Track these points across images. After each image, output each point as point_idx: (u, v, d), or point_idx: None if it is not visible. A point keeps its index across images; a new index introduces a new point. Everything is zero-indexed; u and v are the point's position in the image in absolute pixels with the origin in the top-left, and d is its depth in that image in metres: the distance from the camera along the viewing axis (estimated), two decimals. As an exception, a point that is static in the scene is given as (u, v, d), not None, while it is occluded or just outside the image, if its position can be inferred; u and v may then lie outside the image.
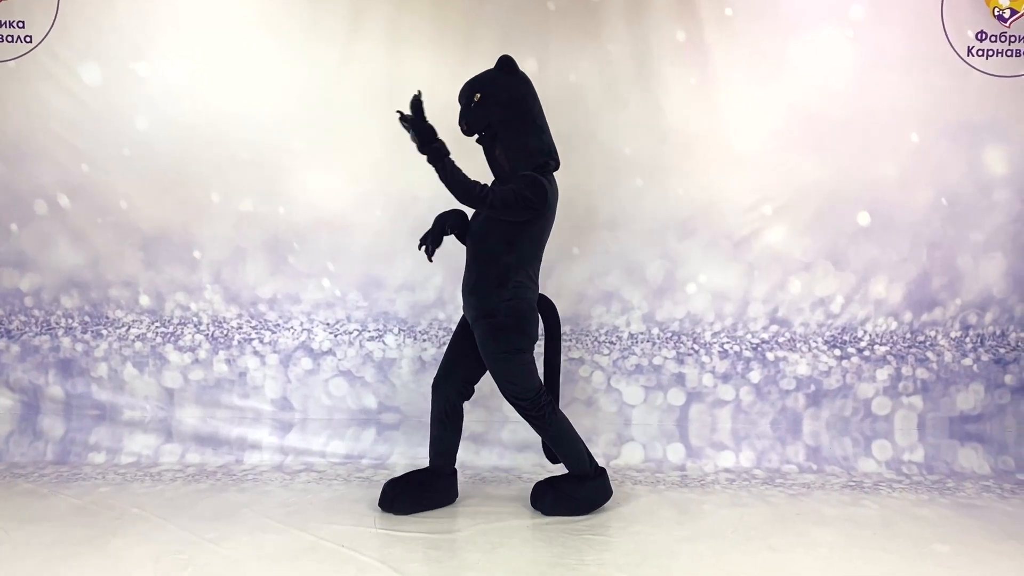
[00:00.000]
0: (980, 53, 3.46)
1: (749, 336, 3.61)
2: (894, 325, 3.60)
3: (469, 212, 2.90)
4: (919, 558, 2.49)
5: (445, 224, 2.83)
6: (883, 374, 3.60)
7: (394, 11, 3.44)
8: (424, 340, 3.60)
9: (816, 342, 3.60)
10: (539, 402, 2.77)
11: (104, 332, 3.58)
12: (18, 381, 3.57)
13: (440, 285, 3.55)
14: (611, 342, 3.61)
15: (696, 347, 3.61)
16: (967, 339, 3.61)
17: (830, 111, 3.46)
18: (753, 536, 2.66)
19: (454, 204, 2.77)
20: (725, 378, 3.61)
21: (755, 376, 3.61)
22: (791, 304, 3.58)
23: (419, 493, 2.85)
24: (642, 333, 3.61)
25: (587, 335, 3.61)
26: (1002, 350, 3.62)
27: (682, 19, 3.44)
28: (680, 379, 3.61)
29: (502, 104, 2.73)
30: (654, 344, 3.61)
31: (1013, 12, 3.46)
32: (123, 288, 3.56)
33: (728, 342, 3.61)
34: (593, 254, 3.55)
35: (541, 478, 2.96)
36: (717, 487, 3.22)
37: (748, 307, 3.59)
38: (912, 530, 2.74)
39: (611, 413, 3.61)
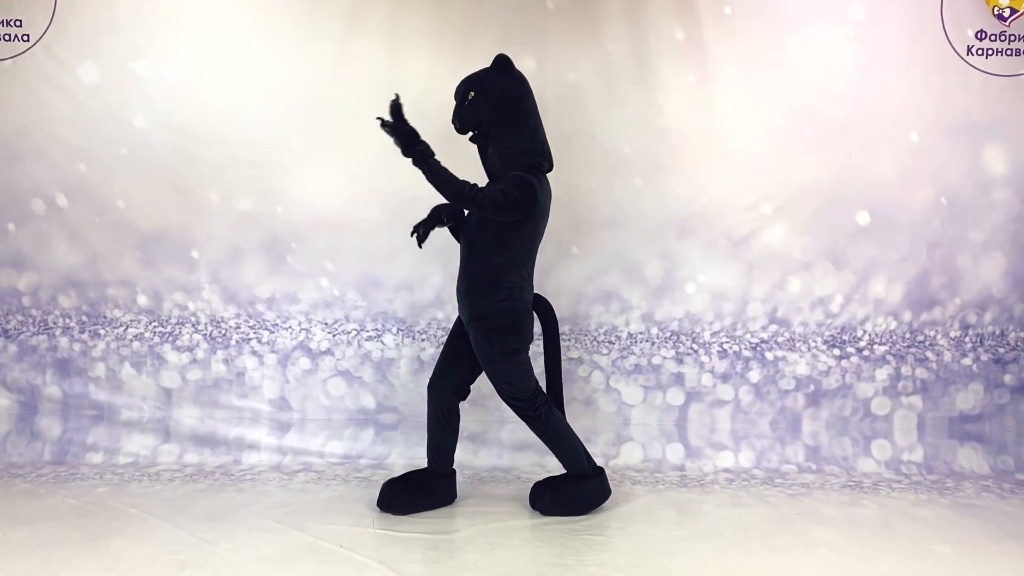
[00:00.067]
0: (980, 52, 3.46)
1: (748, 336, 3.60)
2: (893, 325, 3.59)
3: (468, 212, 2.89)
4: (918, 558, 2.49)
5: (441, 215, 2.82)
6: (882, 374, 3.59)
7: (393, 11, 3.43)
8: (423, 340, 3.59)
9: (815, 342, 3.60)
10: (535, 402, 2.76)
11: (102, 332, 3.58)
12: (15, 381, 3.57)
13: (439, 285, 3.55)
14: (610, 342, 3.60)
15: (695, 347, 3.60)
16: (967, 339, 3.60)
17: (829, 110, 3.45)
18: (752, 536, 2.65)
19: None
20: (724, 378, 3.61)
21: (754, 376, 3.61)
22: (790, 304, 3.58)
23: (418, 493, 2.85)
24: (641, 333, 3.60)
25: (586, 335, 3.60)
26: (1001, 350, 3.61)
27: (681, 18, 3.43)
28: (679, 379, 3.61)
29: (495, 103, 2.71)
30: (653, 344, 3.60)
31: (1013, 11, 3.46)
32: (121, 288, 3.56)
33: (727, 342, 3.60)
34: (592, 254, 3.54)
35: (540, 478, 2.96)
36: (716, 487, 3.21)
37: (747, 307, 3.58)
38: (911, 530, 2.74)
39: (610, 413, 3.60)
